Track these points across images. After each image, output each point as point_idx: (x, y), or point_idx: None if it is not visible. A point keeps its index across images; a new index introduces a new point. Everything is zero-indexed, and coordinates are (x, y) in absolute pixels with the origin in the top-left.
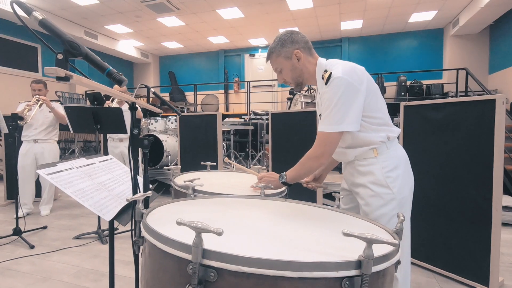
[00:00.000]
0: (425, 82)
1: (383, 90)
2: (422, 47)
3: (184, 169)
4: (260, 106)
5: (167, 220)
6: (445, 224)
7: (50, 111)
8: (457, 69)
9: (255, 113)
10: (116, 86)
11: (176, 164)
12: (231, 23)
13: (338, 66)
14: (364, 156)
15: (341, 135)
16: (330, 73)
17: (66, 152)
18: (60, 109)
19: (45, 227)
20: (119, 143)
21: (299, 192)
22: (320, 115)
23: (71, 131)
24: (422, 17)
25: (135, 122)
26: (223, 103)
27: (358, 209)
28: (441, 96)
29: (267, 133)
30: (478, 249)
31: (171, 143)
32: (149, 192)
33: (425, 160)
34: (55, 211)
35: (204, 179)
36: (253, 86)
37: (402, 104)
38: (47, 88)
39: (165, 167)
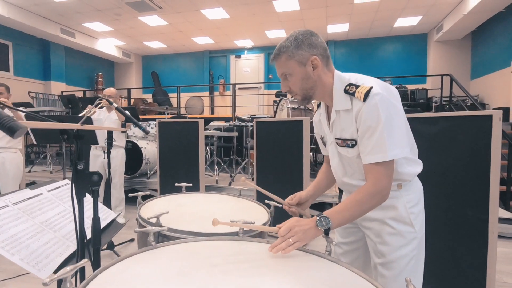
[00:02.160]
0: (410, 86)
1: None
2: (407, 51)
3: (163, 179)
4: (246, 109)
5: None
6: (442, 245)
7: (13, 116)
8: (442, 75)
9: (239, 119)
10: (109, 90)
11: (146, 131)
12: (216, 23)
13: (371, 81)
14: None
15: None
16: (371, 88)
17: (39, 156)
18: (22, 114)
19: None
20: (100, 152)
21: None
22: (341, 138)
23: (34, 143)
24: (407, 22)
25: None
26: (208, 106)
27: (359, 244)
28: (425, 101)
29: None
30: (475, 272)
31: (150, 150)
32: (83, 261)
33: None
34: None
35: (176, 207)
36: (239, 88)
37: None
38: (9, 92)
39: (133, 194)
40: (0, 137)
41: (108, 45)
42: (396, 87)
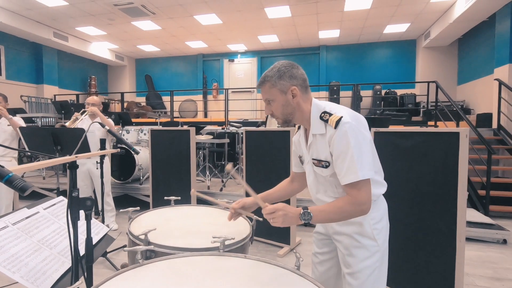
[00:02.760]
0: (399, 91)
1: (359, 99)
2: (396, 56)
3: (155, 186)
4: (239, 113)
5: None
6: (414, 252)
7: (9, 125)
8: (428, 82)
9: (231, 125)
10: (92, 99)
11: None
12: (209, 28)
13: (342, 110)
14: None
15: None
16: (341, 117)
17: (32, 161)
18: (20, 122)
19: None
20: (86, 160)
21: (269, 232)
22: (317, 159)
23: (28, 153)
24: (396, 28)
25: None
26: (202, 110)
27: (332, 254)
28: (413, 106)
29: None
30: (444, 278)
31: (143, 156)
32: (78, 283)
33: (395, 186)
34: None
35: (164, 221)
36: (232, 92)
37: (373, 130)
38: (7, 101)
39: (124, 210)
40: None
41: (101, 48)
42: (386, 92)
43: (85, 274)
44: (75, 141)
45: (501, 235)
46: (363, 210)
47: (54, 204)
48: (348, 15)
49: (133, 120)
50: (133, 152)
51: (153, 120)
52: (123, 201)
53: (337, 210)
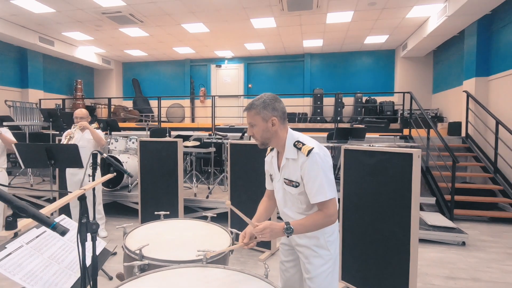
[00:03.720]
0: (379, 99)
1: (342, 106)
2: (377, 64)
3: (144, 194)
4: (226, 119)
5: None
6: (376, 255)
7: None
8: (404, 92)
9: (218, 134)
10: (80, 111)
11: (130, 175)
12: (196, 36)
13: (312, 142)
14: None
15: None
16: (312, 148)
17: (15, 165)
18: (7, 133)
19: None
20: (78, 170)
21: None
22: (288, 179)
23: (22, 167)
24: (376, 40)
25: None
26: (189, 116)
27: (296, 262)
28: (392, 113)
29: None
30: (401, 277)
31: (132, 164)
32: None
33: (361, 198)
34: None
35: (155, 236)
36: (219, 97)
37: (343, 147)
38: None
39: (120, 226)
40: None
41: (88, 53)
42: (366, 100)
43: (91, 284)
44: (68, 155)
45: (460, 238)
46: (333, 221)
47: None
48: (330, 27)
49: (120, 124)
50: (127, 176)
51: (140, 125)
52: (112, 208)
53: (313, 223)
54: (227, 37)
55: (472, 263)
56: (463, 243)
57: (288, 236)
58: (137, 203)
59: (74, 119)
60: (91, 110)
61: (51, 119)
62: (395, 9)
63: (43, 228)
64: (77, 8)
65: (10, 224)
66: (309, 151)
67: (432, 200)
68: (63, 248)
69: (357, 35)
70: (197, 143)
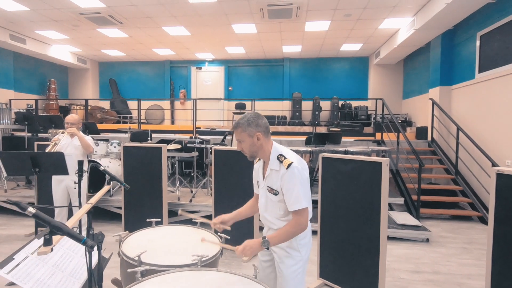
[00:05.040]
0: (354, 103)
1: (319, 109)
2: (352, 70)
3: (127, 198)
4: (207, 122)
5: None
6: (350, 254)
7: None
8: (376, 99)
9: (200, 138)
10: (71, 117)
11: (126, 187)
12: (177, 38)
13: (292, 156)
14: None
15: None
16: (292, 162)
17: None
18: None
19: None
20: (64, 177)
21: (237, 240)
22: (270, 187)
23: (5, 174)
24: (351, 47)
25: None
26: (169, 119)
27: (272, 262)
28: (366, 118)
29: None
30: (372, 273)
31: (113, 168)
32: None
33: (337, 201)
34: None
35: (148, 242)
36: (200, 99)
37: (321, 155)
38: None
39: (115, 235)
40: None
41: (62, 51)
42: (342, 104)
43: None
44: (53, 163)
45: (425, 235)
46: (303, 229)
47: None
48: (308, 34)
49: (98, 126)
50: (124, 187)
51: (118, 126)
52: (94, 213)
53: (286, 233)
54: (208, 41)
55: (434, 258)
56: (427, 240)
57: (267, 249)
58: (119, 208)
59: (64, 125)
60: (66, 111)
61: (26, 122)
62: (369, 21)
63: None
64: (53, 8)
65: (47, 241)
66: (289, 165)
67: (401, 200)
68: (64, 257)
69: (333, 43)
70: (179, 146)
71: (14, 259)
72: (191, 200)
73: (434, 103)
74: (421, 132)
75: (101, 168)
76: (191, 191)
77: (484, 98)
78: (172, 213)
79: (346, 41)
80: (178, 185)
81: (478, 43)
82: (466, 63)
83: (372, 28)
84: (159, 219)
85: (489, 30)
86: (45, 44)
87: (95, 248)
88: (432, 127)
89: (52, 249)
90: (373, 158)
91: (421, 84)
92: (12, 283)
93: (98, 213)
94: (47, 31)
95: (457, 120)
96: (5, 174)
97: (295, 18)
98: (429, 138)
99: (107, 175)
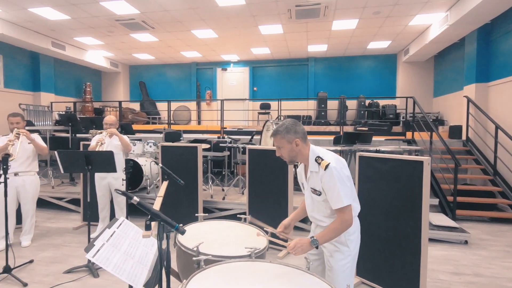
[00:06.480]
0: (381, 102)
1: (346, 108)
2: (379, 69)
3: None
4: (233, 122)
5: None
6: (389, 253)
7: (29, 143)
8: (406, 97)
9: (230, 138)
10: (109, 118)
11: (157, 186)
12: (204, 41)
13: (330, 157)
14: None
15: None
16: (329, 163)
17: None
18: (39, 140)
19: (31, 261)
20: (106, 174)
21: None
22: (313, 188)
23: (61, 171)
24: (378, 45)
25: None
26: (196, 119)
27: (320, 255)
28: (394, 117)
29: (243, 153)
30: (412, 273)
31: (149, 167)
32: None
33: (375, 200)
34: (35, 240)
35: (203, 234)
36: (226, 100)
37: (358, 154)
38: (24, 120)
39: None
40: (21, 162)
41: (97, 56)
42: (369, 103)
43: (166, 275)
44: (104, 162)
45: (463, 237)
46: (348, 225)
47: (120, 224)
48: (335, 33)
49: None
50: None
51: (149, 127)
52: (132, 209)
53: (333, 231)
54: (234, 42)
55: (474, 260)
56: (466, 242)
57: (317, 248)
58: None
59: (103, 125)
60: (100, 112)
61: (70, 123)
62: (399, 17)
63: (113, 228)
64: (92, 16)
65: (148, 226)
66: (326, 166)
67: (435, 201)
68: (131, 245)
69: (360, 41)
70: (208, 145)
71: (95, 245)
72: (224, 198)
73: (469, 100)
74: (455, 131)
75: (159, 165)
76: (223, 189)
77: None
78: (205, 210)
79: (373, 38)
80: (210, 183)
81: None
82: (504, 59)
83: (401, 25)
84: (206, 214)
85: None
86: (82, 49)
87: (164, 237)
88: (467, 125)
89: (152, 234)
90: (413, 157)
91: (454, 81)
92: (69, 271)
93: (136, 209)
94: (85, 37)
95: (495, 118)
96: (62, 171)
97: (323, 17)
98: (463, 137)
99: (144, 172)
